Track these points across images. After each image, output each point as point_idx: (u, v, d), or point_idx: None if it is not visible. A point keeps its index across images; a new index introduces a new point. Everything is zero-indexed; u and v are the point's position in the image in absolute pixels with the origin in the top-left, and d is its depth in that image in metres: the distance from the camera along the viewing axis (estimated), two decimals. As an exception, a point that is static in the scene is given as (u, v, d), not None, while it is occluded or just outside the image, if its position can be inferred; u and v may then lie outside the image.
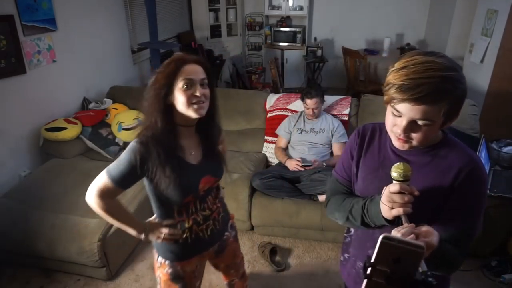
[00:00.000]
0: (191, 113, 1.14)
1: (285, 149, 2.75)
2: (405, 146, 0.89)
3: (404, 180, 0.82)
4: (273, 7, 5.85)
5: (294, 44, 5.80)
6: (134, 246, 2.48)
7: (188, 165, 1.21)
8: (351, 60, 4.77)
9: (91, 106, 3.18)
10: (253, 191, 2.51)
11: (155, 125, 1.14)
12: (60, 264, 2.21)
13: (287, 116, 2.84)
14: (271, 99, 3.03)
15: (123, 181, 1.16)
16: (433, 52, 0.83)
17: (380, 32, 5.44)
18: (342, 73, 5.56)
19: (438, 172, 0.92)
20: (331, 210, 1.11)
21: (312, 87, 2.61)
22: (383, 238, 0.68)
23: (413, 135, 0.85)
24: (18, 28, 2.57)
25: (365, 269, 0.71)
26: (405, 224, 0.79)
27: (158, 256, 1.34)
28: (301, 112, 2.75)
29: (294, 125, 2.70)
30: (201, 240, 1.32)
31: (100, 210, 1.21)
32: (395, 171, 0.82)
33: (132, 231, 1.25)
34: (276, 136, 2.83)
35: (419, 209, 0.82)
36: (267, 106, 3.01)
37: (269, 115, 2.99)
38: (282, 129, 2.77)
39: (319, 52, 5.52)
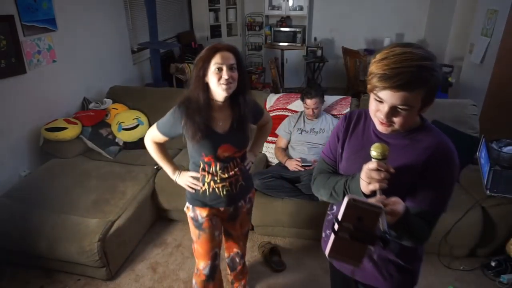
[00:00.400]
0: (221, 92, 1.41)
1: (285, 149, 2.75)
2: (388, 130, 0.99)
3: (382, 158, 0.90)
4: (273, 7, 5.86)
5: (294, 44, 5.80)
6: (134, 246, 2.48)
7: (213, 132, 1.48)
8: (351, 60, 4.77)
9: (91, 106, 3.18)
10: (253, 191, 2.50)
11: (197, 98, 1.43)
12: (60, 264, 2.21)
13: (287, 116, 2.84)
14: (271, 99, 3.03)
15: (166, 131, 1.55)
16: (410, 44, 0.92)
17: (380, 32, 5.45)
18: (342, 73, 5.56)
19: (413, 153, 1.01)
20: (317, 187, 1.21)
21: (312, 87, 2.61)
22: (350, 199, 0.79)
23: (395, 119, 0.94)
24: (18, 28, 2.58)
25: (333, 226, 0.81)
26: (378, 196, 0.88)
27: (186, 202, 1.68)
28: (301, 112, 2.75)
29: (294, 125, 2.70)
30: (216, 196, 1.59)
31: (151, 150, 1.65)
32: (374, 150, 0.90)
33: (168, 171, 1.67)
34: (276, 136, 2.83)
35: (394, 186, 0.91)
36: (267, 106, 3.01)
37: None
38: (282, 129, 2.77)
39: (319, 52, 5.52)
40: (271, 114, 2.97)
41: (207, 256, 1.68)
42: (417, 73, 0.86)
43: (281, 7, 5.77)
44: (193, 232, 1.69)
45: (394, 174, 0.90)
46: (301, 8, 5.73)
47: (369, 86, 0.94)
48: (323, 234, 1.34)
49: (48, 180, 2.51)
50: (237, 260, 1.94)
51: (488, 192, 2.19)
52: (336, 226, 0.80)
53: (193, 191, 1.61)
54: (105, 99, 3.24)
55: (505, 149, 2.47)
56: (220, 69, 1.38)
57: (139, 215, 2.44)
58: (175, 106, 1.50)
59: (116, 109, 3.13)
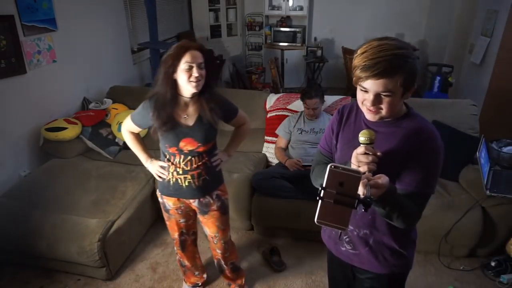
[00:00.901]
0: (190, 88, 1.50)
1: (285, 149, 2.75)
2: (376, 117, 1.07)
3: (369, 143, 0.97)
4: (273, 7, 5.86)
5: (294, 44, 5.80)
6: (134, 246, 2.48)
7: (178, 125, 1.57)
8: (351, 60, 4.77)
9: (91, 106, 3.18)
10: (253, 191, 2.50)
11: (165, 94, 1.52)
12: (60, 264, 2.21)
13: (287, 116, 2.84)
14: (271, 99, 3.03)
15: (138, 122, 1.69)
16: (386, 37, 1.03)
17: (380, 32, 5.44)
18: (342, 73, 5.57)
19: (399, 139, 1.09)
20: (314, 177, 1.27)
21: (312, 87, 2.61)
22: (330, 166, 0.87)
23: (381, 106, 1.02)
24: (18, 28, 2.58)
25: (319, 192, 0.87)
26: (366, 174, 0.94)
27: (157, 189, 1.82)
28: (301, 112, 2.75)
29: (294, 125, 2.70)
30: (179, 186, 1.69)
31: (127, 139, 1.80)
32: (362, 136, 0.98)
33: (142, 158, 1.80)
34: (276, 136, 2.83)
35: (383, 169, 0.97)
36: (267, 106, 3.01)
37: (269, 115, 2.99)
38: (282, 129, 2.77)
39: (319, 52, 5.52)
40: (271, 114, 2.97)
41: (175, 233, 1.91)
42: (393, 61, 0.95)
43: (281, 7, 5.77)
44: (164, 214, 1.87)
45: (382, 159, 0.97)
46: (301, 8, 5.73)
47: (354, 79, 1.03)
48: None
49: (48, 180, 2.51)
50: (222, 264, 2.02)
51: (488, 192, 2.19)
52: (321, 193, 0.87)
53: (161, 179, 1.73)
54: (105, 99, 3.23)
55: (505, 149, 2.47)
56: (190, 68, 1.46)
57: (139, 215, 2.44)
58: (146, 99, 1.61)
59: (116, 109, 3.13)
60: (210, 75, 1.54)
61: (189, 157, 1.63)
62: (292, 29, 5.78)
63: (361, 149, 0.98)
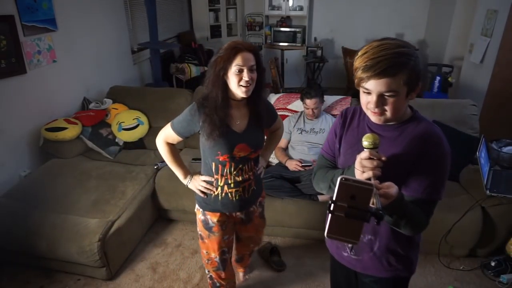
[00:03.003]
0: (239, 93, 1.42)
1: (285, 149, 2.75)
2: (381, 119, 1.04)
3: (373, 147, 0.95)
4: (273, 7, 5.86)
5: (294, 44, 5.80)
6: (134, 246, 2.48)
7: (231, 130, 1.47)
8: (351, 60, 4.77)
9: (91, 106, 3.18)
10: (253, 191, 2.50)
11: (216, 98, 1.42)
12: (60, 264, 2.21)
13: (287, 116, 2.84)
14: (271, 99, 3.03)
15: (181, 130, 1.54)
16: (386, 37, 1.01)
17: (380, 32, 5.44)
18: (342, 73, 5.57)
19: (404, 143, 1.06)
20: (317, 182, 1.25)
21: (311, 87, 2.61)
22: (341, 179, 0.83)
23: (386, 107, 1.00)
24: (18, 28, 2.58)
25: (329, 206, 0.84)
26: (372, 181, 0.91)
27: (196, 204, 1.66)
28: (301, 112, 2.75)
29: (294, 125, 2.70)
30: (228, 200, 1.57)
31: (163, 151, 1.62)
32: (365, 140, 0.95)
33: (179, 175, 1.64)
34: (276, 136, 2.83)
35: (388, 176, 0.95)
36: (267, 106, 3.01)
37: (269, 115, 2.99)
38: (282, 129, 2.76)
39: (319, 52, 5.52)
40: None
41: (217, 252, 1.71)
42: (395, 59, 0.94)
43: (281, 7, 5.77)
44: (203, 231, 1.69)
45: (387, 165, 0.94)
46: (301, 8, 5.73)
47: (356, 81, 1.01)
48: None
49: (48, 180, 2.51)
50: (247, 257, 2.06)
51: (488, 192, 2.19)
52: (331, 206, 0.84)
53: (205, 196, 1.59)
54: (105, 99, 3.23)
55: (505, 149, 2.47)
56: (240, 71, 1.38)
57: (139, 215, 2.44)
58: (193, 104, 1.50)
59: (116, 109, 3.13)
60: (260, 77, 1.46)
61: (240, 165, 1.53)
62: (292, 29, 5.78)
63: (365, 154, 0.94)
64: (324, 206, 2.33)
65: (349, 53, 4.79)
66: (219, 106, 1.42)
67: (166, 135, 1.59)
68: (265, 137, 1.68)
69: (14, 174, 2.63)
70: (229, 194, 1.56)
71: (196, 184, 1.59)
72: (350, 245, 1.21)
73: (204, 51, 5.30)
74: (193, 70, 4.65)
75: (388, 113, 1.01)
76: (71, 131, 2.77)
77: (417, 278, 2.19)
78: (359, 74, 0.98)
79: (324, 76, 5.84)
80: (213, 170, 1.54)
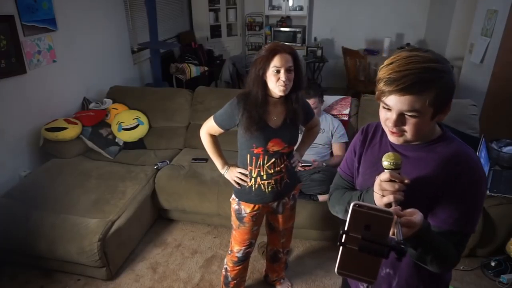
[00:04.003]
0: (277, 92, 1.51)
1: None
2: (400, 140, 0.93)
3: (395, 168, 0.85)
4: (273, 7, 5.86)
5: (294, 44, 5.78)
6: (134, 246, 2.48)
7: (266, 125, 1.58)
8: (351, 60, 4.77)
9: (91, 106, 3.18)
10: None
11: (256, 95, 1.53)
12: (60, 264, 2.21)
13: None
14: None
15: (222, 123, 1.65)
16: (418, 48, 0.89)
17: (380, 32, 5.44)
18: (342, 73, 5.56)
19: (431, 166, 0.94)
20: (332, 204, 1.15)
21: (310, 87, 2.60)
22: (354, 205, 0.71)
23: (405, 128, 0.89)
24: (18, 28, 2.58)
25: (340, 237, 0.73)
26: (393, 207, 0.81)
27: (233, 194, 1.77)
28: (301, 112, 2.75)
29: (294, 125, 2.70)
30: (261, 192, 1.67)
31: (205, 142, 1.74)
32: (386, 160, 0.86)
33: (218, 165, 1.76)
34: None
35: (412, 201, 0.83)
36: (267, 106, 3.01)
37: (269, 115, 2.98)
38: (282, 129, 2.76)
39: (319, 52, 5.51)
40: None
41: (243, 243, 1.81)
42: (422, 75, 0.82)
43: (281, 7, 5.77)
44: (234, 221, 1.79)
45: (411, 189, 0.84)
46: (301, 8, 5.73)
47: (376, 93, 0.90)
48: None
49: (48, 180, 2.50)
50: (280, 255, 2.04)
51: (488, 192, 2.19)
52: (343, 238, 0.73)
53: (239, 186, 1.70)
54: (105, 99, 3.24)
55: (505, 149, 2.47)
56: (278, 71, 1.47)
57: (139, 215, 2.44)
58: (234, 98, 1.60)
59: (116, 109, 3.13)
60: (298, 77, 1.54)
61: (273, 159, 1.63)
62: (292, 29, 5.78)
63: (385, 175, 0.84)
64: (324, 206, 2.33)
65: (349, 53, 4.79)
66: (259, 104, 1.53)
67: (209, 127, 1.70)
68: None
69: (14, 174, 2.63)
70: (262, 185, 1.66)
71: (232, 175, 1.70)
72: (365, 285, 1.06)
73: (204, 51, 5.30)
74: (193, 70, 4.65)
75: (408, 135, 0.90)
76: (71, 131, 2.77)
77: (417, 278, 2.20)
78: (380, 86, 0.87)
79: (324, 76, 5.84)
80: (248, 162, 1.64)
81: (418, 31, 5.52)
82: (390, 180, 0.83)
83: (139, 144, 3.09)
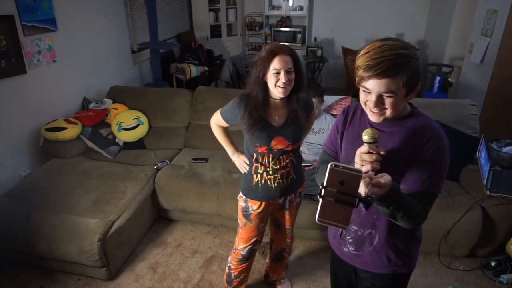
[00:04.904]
0: (277, 93, 1.54)
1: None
2: (380, 119, 1.06)
3: (373, 142, 0.97)
4: (273, 7, 5.86)
5: (294, 44, 5.79)
6: (134, 246, 2.48)
7: (269, 124, 1.60)
8: (351, 60, 4.77)
9: (91, 106, 3.18)
10: (253, 191, 2.50)
11: (256, 96, 1.55)
12: (60, 264, 2.21)
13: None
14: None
15: (227, 118, 1.72)
16: (388, 37, 1.03)
17: (380, 32, 5.44)
18: (342, 73, 5.57)
19: (403, 138, 1.08)
20: (319, 176, 1.27)
21: (310, 87, 2.60)
22: (331, 165, 0.86)
23: (385, 107, 1.02)
24: (18, 28, 2.58)
25: (320, 191, 0.87)
26: (369, 173, 0.94)
27: (240, 191, 1.80)
28: (301, 112, 2.75)
29: (294, 125, 2.70)
30: (268, 187, 1.69)
31: (215, 131, 1.84)
32: (365, 135, 0.98)
33: (229, 151, 1.85)
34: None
35: (387, 169, 0.95)
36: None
37: (269, 115, 2.98)
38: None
39: (319, 52, 5.52)
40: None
41: (249, 241, 1.82)
42: (396, 60, 0.95)
43: (281, 7, 5.77)
44: (240, 218, 1.81)
45: (386, 159, 0.96)
46: (301, 8, 5.73)
47: (357, 79, 1.03)
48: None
49: (48, 180, 2.50)
50: (285, 255, 2.06)
51: (488, 192, 2.19)
52: (322, 191, 0.87)
53: (243, 171, 1.76)
54: (105, 99, 3.24)
55: (505, 149, 2.47)
56: (278, 73, 1.48)
57: (139, 215, 2.44)
58: (237, 97, 1.64)
59: (116, 109, 3.13)
60: (299, 78, 1.55)
61: (278, 157, 1.65)
62: (292, 29, 5.78)
63: (364, 148, 0.97)
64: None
65: (349, 53, 4.79)
66: (259, 104, 1.56)
67: (217, 119, 1.77)
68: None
69: (14, 174, 2.63)
70: (268, 181, 1.68)
71: (239, 161, 1.79)
72: (340, 231, 1.25)
73: (204, 51, 5.30)
74: (193, 70, 4.65)
75: (387, 113, 1.03)
76: (71, 131, 2.77)
77: (417, 278, 2.20)
78: (360, 73, 0.99)
79: (324, 76, 5.85)
80: (254, 159, 1.68)
81: (418, 31, 5.52)
82: (369, 152, 0.96)
83: (139, 144, 3.09)
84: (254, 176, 1.70)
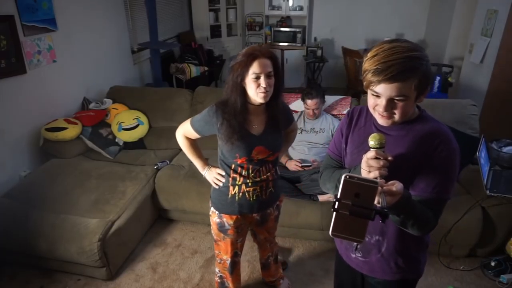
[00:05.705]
0: (257, 99, 1.44)
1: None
2: (389, 122, 1.03)
3: (380, 147, 0.94)
4: (273, 7, 5.86)
5: (294, 44, 5.80)
6: (134, 246, 2.48)
7: (248, 133, 1.50)
8: (351, 60, 4.77)
9: (91, 106, 3.18)
10: (253, 191, 2.50)
11: (235, 103, 1.45)
12: (60, 264, 2.21)
13: (287, 116, 2.84)
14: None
15: (199, 129, 1.58)
16: (396, 39, 0.98)
17: (380, 32, 5.44)
18: (342, 73, 5.56)
19: (412, 142, 1.05)
20: (323, 182, 1.25)
21: (312, 88, 2.61)
22: (345, 176, 0.83)
23: (394, 111, 0.99)
24: (18, 28, 2.58)
25: (334, 204, 0.84)
26: (378, 180, 0.90)
27: (211, 206, 1.69)
28: (301, 112, 2.75)
29: (294, 125, 2.70)
30: (246, 200, 1.60)
31: (182, 144, 1.68)
32: (371, 140, 0.95)
33: (198, 166, 1.71)
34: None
35: (395, 175, 0.93)
36: (267, 106, 3.01)
37: (269, 115, 2.98)
38: (282, 129, 2.76)
39: (319, 52, 5.51)
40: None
41: (229, 254, 1.76)
42: (407, 63, 0.92)
43: (281, 7, 5.77)
44: (217, 234, 1.72)
45: (394, 164, 0.94)
46: (301, 8, 5.73)
47: (365, 83, 0.99)
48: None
49: (48, 180, 2.50)
50: (270, 260, 2.03)
51: (488, 192, 2.19)
52: (336, 204, 0.84)
53: (217, 186, 1.64)
54: (105, 99, 3.24)
55: (505, 149, 2.47)
56: (258, 77, 1.40)
57: (139, 215, 2.44)
58: (212, 105, 1.52)
59: (116, 109, 3.13)
60: (278, 82, 1.47)
61: (258, 167, 1.57)
62: (292, 29, 5.78)
63: (371, 153, 0.94)
64: (324, 206, 2.34)
65: (349, 53, 4.79)
66: (238, 112, 1.46)
67: (185, 131, 1.63)
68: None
69: (14, 174, 2.63)
70: (247, 193, 1.59)
71: (212, 175, 1.65)
72: (355, 244, 1.19)
73: (204, 51, 5.30)
74: (193, 70, 4.65)
75: (397, 117, 1.00)
76: (71, 131, 2.77)
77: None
78: (368, 77, 0.96)
79: (324, 76, 5.84)
80: (231, 170, 1.57)
81: (418, 31, 5.52)
82: (376, 158, 0.93)
83: (139, 144, 3.09)
84: (231, 188, 1.59)
